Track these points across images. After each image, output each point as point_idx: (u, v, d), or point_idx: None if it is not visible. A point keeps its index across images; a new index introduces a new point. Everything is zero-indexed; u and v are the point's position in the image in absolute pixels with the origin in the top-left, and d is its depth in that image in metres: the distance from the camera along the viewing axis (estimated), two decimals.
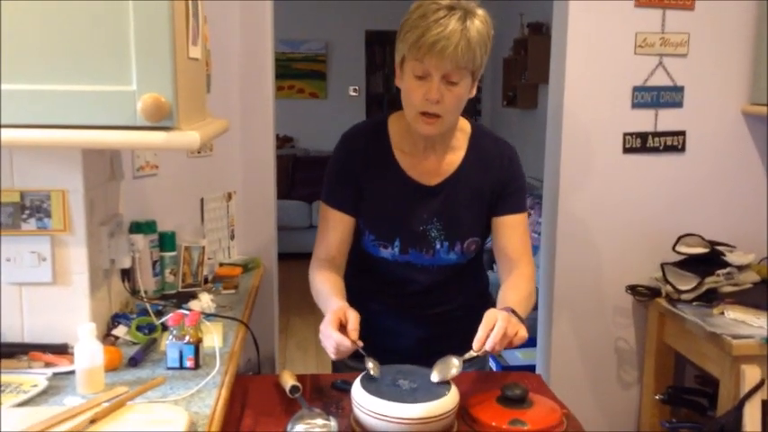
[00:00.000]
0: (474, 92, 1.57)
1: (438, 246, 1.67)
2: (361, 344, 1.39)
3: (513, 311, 1.46)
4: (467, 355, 1.40)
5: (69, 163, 1.53)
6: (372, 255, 1.71)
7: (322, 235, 1.69)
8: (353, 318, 1.41)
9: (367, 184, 1.66)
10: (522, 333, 1.41)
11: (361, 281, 1.73)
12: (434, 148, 1.65)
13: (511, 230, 1.68)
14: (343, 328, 1.40)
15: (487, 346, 1.37)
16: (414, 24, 1.47)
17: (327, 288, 1.58)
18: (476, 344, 1.38)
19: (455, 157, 1.67)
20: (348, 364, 1.74)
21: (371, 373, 1.39)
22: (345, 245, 1.69)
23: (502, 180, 1.67)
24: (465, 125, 1.69)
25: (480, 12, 1.49)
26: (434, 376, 1.39)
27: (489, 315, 1.41)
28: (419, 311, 1.75)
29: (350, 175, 1.66)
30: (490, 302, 1.88)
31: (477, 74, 1.54)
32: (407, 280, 1.72)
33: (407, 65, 1.51)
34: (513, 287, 1.61)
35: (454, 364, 1.40)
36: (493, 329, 1.37)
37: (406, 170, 1.66)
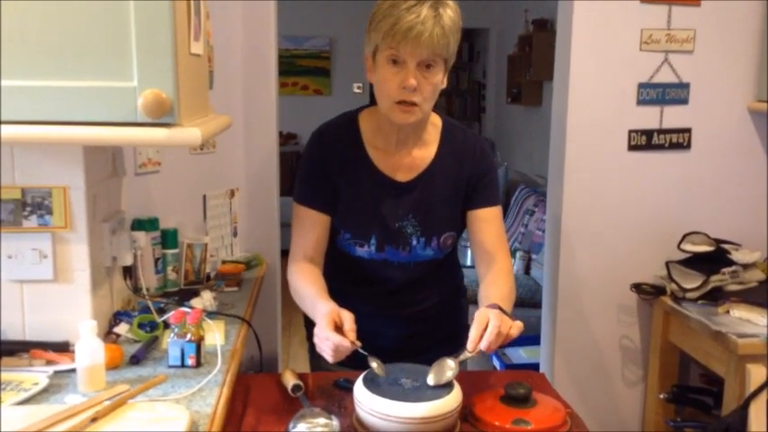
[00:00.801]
0: (446, 82, 1.56)
1: (414, 242, 1.66)
2: (359, 344, 1.37)
3: (500, 308, 1.45)
4: (461, 357, 1.39)
5: (71, 159, 1.53)
6: (348, 254, 1.69)
7: (298, 236, 1.66)
8: (349, 318, 1.39)
9: (340, 183, 1.64)
10: (515, 331, 1.39)
11: (337, 281, 1.69)
12: (407, 143, 1.64)
13: (486, 224, 1.67)
14: (338, 329, 1.37)
15: (482, 346, 1.35)
16: (385, 14, 1.46)
17: (312, 289, 1.54)
18: (470, 344, 1.37)
19: (428, 152, 1.66)
20: (330, 369, 1.70)
21: (376, 372, 1.38)
22: (322, 245, 1.67)
23: (475, 173, 1.67)
24: (436, 119, 1.68)
25: (450, 1, 1.49)
26: (430, 379, 1.37)
27: (481, 314, 1.40)
28: (397, 310, 1.74)
29: (323, 174, 1.64)
30: (466, 297, 1.88)
31: (449, 63, 1.54)
32: (384, 278, 1.71)
33: (381, 55, 1.50)
34: (494, 283, 1.59)
35: (450, 367, 1.38)
36: (486, 328, 1.36)
37: (380, 167, 1.64)
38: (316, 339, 1.40)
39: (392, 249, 1.66)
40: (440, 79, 1.52)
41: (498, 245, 1.66)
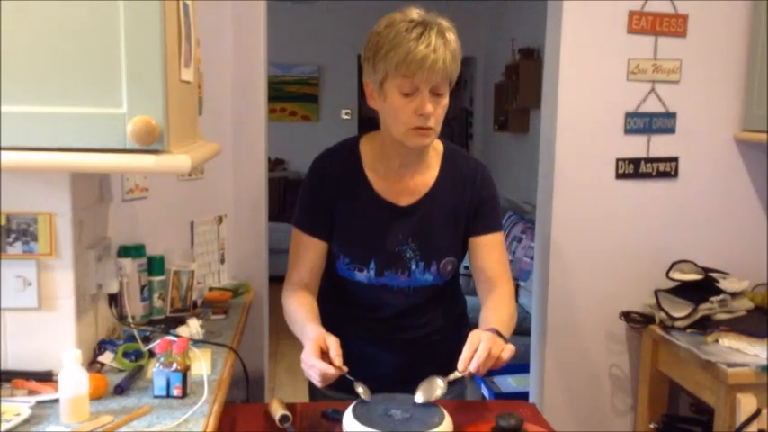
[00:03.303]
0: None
1: (413, 266, 1.66)
2: (346, 369, 1.38)
3: (498, 332, 1.46)
4: (451, 376, 1.40)
5: (57, 186, 1.51)
6: (347, 279, 1.69)
7: (294, 260, 1.68)
8: (334, 343, 1.40)
9: (340, 208, 1.65)
10: (507, 354, 1.40)
11: (335, 307, 1.70)
12: (408, 168, 1.65)
13: (488, 250, 1.68)
14: (324, 355, 1.39)
15: (472, 367, 1.37)
16: (395, 42, 1.47)
17: (302, 313, 1.56)
18: (461, 364, 1.38)
19: (428, 177, 1.67)
20: (325, 393, 1.71)
21: (362, 397, 1.38)
22: (318, 270, 1.68)
23: (477, 199, 1.68)
24: (437, 144, 1.69)
25: (448, 24, 1.52)
26: (419, 397, 1.39)
27: (473, 336, 1.41)
28: (395, 336, 1.73)
29: (322, 200, 1.65)
30: (469, 326, 1.87)
31: (452, 84, 1.56)
32: (383, 304, 1.70)
33: (391, 83, 1.50)
34: (495, 308, 1.60)
35: (439, 385, 1.40)
36: (477, 350, 1.37)
37: (379, 191, 1.65)
38: (303, 366, 1.41)
39: (392, 274, 1.66)
40: (447, 102, 1.55)
41: (500, 271, 1.67)
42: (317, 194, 1.66)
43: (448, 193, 1.67)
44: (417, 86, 1.48)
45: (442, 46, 1.46)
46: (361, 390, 1.39)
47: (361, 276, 1.66)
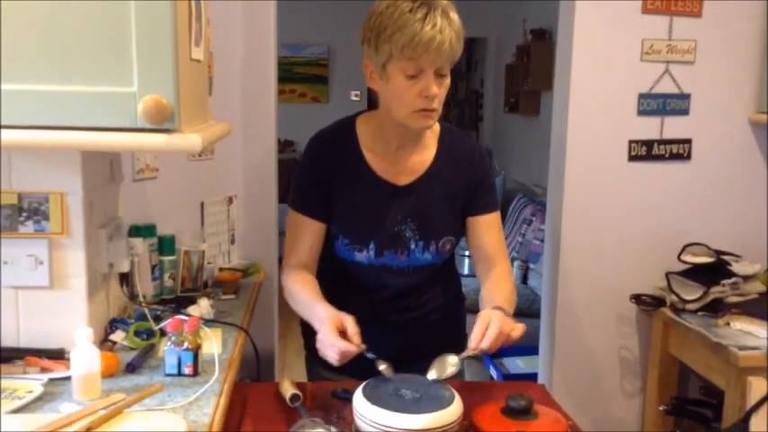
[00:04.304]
0: None
1: (413, 246, 1.66)
2: (365, 347, 1.39)
3: (503, 310, 1.47)
4: (464, 354, 1.42)
5: (68, 165, 1.51)
6: (346, 260, 1.68)
7: (292, 242, 1.67)
8: (351, 321, 1.42)
9: (338, 189, 1.64)
10: (517, 333, 1.43)
11: (334, 288, 1.69)
12: (406, 148, 1.64)
13: (487, 229, 1.69)
14: (341, 334, 1.39)
15: (484, 345, 1.38)
16: (400, 24, 1.44)
17: (306, 294, 1.57)
18: (472, 342, 1.40)
19: (426, 156, 1.67)
20: (323, 375, 1.73)
21: (384, 374, 1.40)
22: (316, 251, 1.68)
23: (474, 179, 1.68)
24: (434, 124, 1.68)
25: (448, 1, 1.49)
26: (431, 374, 1.40)
27: (483, 315, 1.43)
28: (395, 316, 1.73)
29: (319, 181, 1.64)
30: (465, 306, 1.89)
31: (454, 64, 1.55)
32: (383, 284, 1.70)
33: (395, 65, 1.48)
34: (496, 286, 1.63)
35: (451, 363, 1.42)
36: (488, 328, 1.39)
37: (377, 171, 1.64)
38: (319, 345, 1.41)
39: (391, 254, 1.66)
40: (449, 81, 1.54)
41: (498, 250, 1.69)
42: (313, 175, 1.65)
43: (445, 171, 1.66)
44: (422, 68, 1.47)
45: (448, 26, 1.45)
46: (383, 366, 1.41)
47: (361, 257, 1.66)
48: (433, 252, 1.67)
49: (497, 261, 1.68)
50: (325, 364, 1.75)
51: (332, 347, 1.37)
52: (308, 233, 1.66)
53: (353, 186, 1.64)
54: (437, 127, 1.68)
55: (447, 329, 1.81)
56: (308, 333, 1.81)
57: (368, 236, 1.65)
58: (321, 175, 1.64)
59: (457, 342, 1.83)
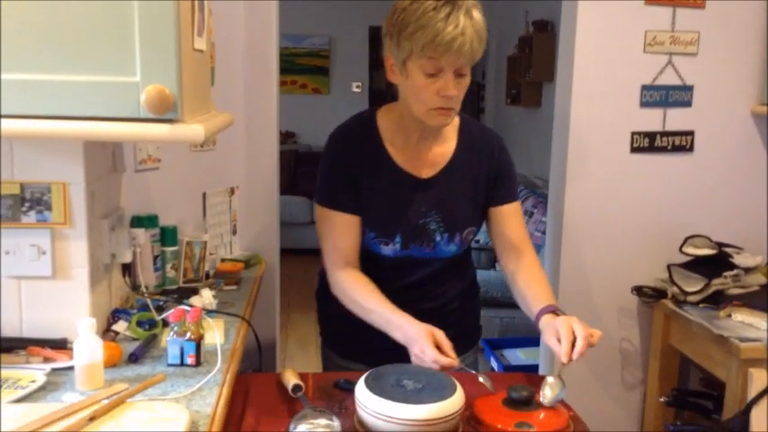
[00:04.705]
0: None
1: (438, 238, 1.67)
2: (459, 360, 1.44)
3: (557, 308, 1.53)
4: (560, 371, 1.44)
5: (70, 155, 1.51)
6: (373, 251, 1.69)
7: (332, 240, 1.66)
8: (443, 336, 1.46)
9: (363, 183, 1.65)
10: (596, 339, 1.45)
11: None
12: (427, 140, 1.65)
13: (511, 219, 1.71)
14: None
15: (575, 356, 1.41)
16: (422, 23, 1.45)
17: (380, 304, 1.58)
18: (564, 356, 1.41)
19: (447, 148, 1.68)
20: (339, 363, 1.76)
21: (486, 386, 1.43)
22: (358, 245, 1.68)
23: (495, 169, 1.70)
24: None
25: (475, 0, 1.50)
26: (546, 396, 1.41)
27: (565, 324, 1.44)
28: (416, 305, 1.73)
29: (347, 175, 1.65)
30: (479, 298, 1.92)
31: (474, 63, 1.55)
32: (407, 275, 1.71)
33: (415, 63, 1.50)
34: (536, 280, 1.65)
35: (556, 384, 1.43)
36: (575, 339, 1.42)
37: (400, 164, 1.65)
38: (416, 360, 1.45)
39: (417, 246, 1.67)
40: (469, 80, 1.54)
41: (524, 238, 1.72)
42: (339, 170, 1.65)
43: (466, 163, 1.68)
44: (442, 68, 1.48)
45: (470, 27, 1.45)
46: (481, 379, 1.45)
47: (387, 250, 1.67)
48: (458, 243, 1.69)
49: (524, 249, 1.70)
50: (340, 352, 1.78)
51: (434, 363, 1.41)
52: (346, 228, 1.65)
53: (377, 180, 1.65)
54: (456, 119, 1.69)
55: (462, 321, 1.82)
56: (325, 322, 1.83)
57: (394, 229, 1.66)
58: (347, 169, 1.65)
59: (470, 334, 1.85)
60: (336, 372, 1.70)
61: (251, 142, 2.50)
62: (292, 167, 6.93)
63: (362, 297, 1.61)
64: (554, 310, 1.54)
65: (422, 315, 1.74)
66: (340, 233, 1.65)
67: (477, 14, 1.47)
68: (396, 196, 1.65)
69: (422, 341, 1.44)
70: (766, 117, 2.53)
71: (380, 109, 1.70)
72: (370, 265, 1.70)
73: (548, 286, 1.64)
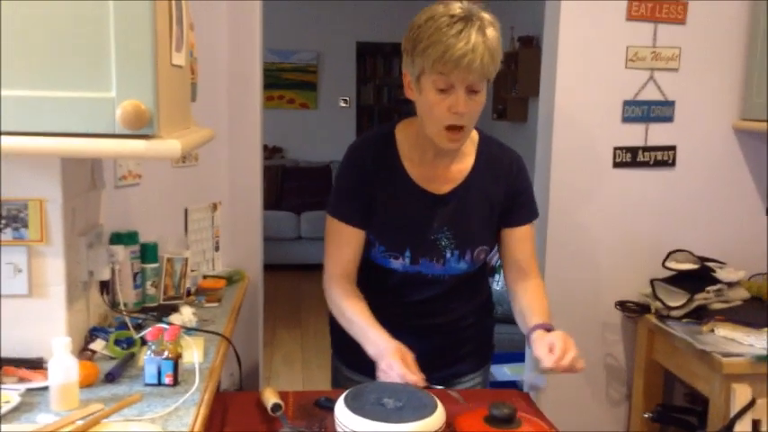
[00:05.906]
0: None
1: (448, 254, 1.66)
2: (423, 377, 1.46)
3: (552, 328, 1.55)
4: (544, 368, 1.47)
5: (48, 171, 1.49)
6: (381, 266, 1.69)
7: (334, 250, 1.67)
8: (410, 354, 1.49)
9: (377, 196, 1.65)
10: (580, 365, 1.49)
11: (366, 293, 1.69)
12: (444, 157, 1.65)
13: (523, 242, 1.71)
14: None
15: (563, 364, 1.45)
16: (434, 39, 1.45)
17: (362, 318, 1.60)
18: (552, 362, 1.45)
19: (464, 165, 1.67)
20: (348, 376, 1.76)
21: (457, 398, 1.46)
22: (358, 259, 1.68)
23: (512, 189, 1.69)
24: (473, 133, 1.69)
25: (489, 17, 1.49)
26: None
27: (561, 337, 1.48)
28: (426, 322, 1.74)
29: (360, 188, 1.65)
30: (493, 317, 1.92)
31: (491, 80, 1.54)
32: (416, 291, 1.71)
33: (427, 78, 1.50)
34: (538, 299, 1.66)
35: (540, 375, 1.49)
36: (564, 352, 1.46)
37: (416, 179, 1.65)
38: (383, 375, 1.46)
39: (427, 262, 1.66)
40: (484, 98, 1.54)
41: (532, 263, 1.72)
42: (354, 183, 1.65)
43: (484, 181, 1.67)
44: (453, 84, 1.48)
45: (482, 44, 1.44)
46: (453, 394, 1.47)
47: (397, 264, 1.67)
48: (468, 261, 1.68)
49: (530, 273, 1.70)
50: (346, 363, 1.79)
51: (401, 377, 1.41)
52: (350, 241, 1.66)
53: (392, 194, 1.65)
54: (475, 136, 1.69)
55: (474, 338, 1.82)
56: (334, 332, 1.83)
57: (404, 243, 1.65)
58: (362, 183, 1.65)
59: (484, 351, 1.84)
60: (348, 384, 1.68)
61: (234, 157, 2.49)
62: (280, 182, 6.92)
63: (347, 308, 1.62)
64: (549, 329, 1.54)
65: (430, 331, 1.74)
66: (341, 244, 1.66)
67: (491, 32, 1.47)
68: (409, 211, 1.65)
69: (389, 357, 1.45)
70: (747, 132, 2.55)
71: (400, 123, 1.69)
72: (380, 281, 1.70)
73: (547, 309, 1.64)
